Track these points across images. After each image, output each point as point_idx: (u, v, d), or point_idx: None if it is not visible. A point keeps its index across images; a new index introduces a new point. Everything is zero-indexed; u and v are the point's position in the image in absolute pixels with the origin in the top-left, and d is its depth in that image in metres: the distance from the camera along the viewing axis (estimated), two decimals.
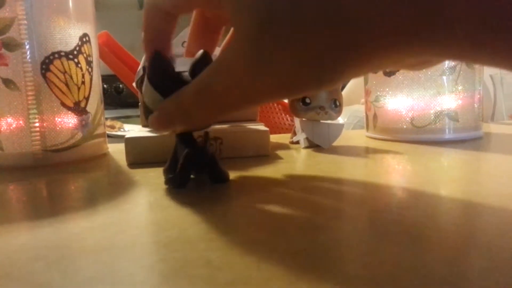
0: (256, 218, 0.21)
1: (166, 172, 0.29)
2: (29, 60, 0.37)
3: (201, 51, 0.26)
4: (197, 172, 0.30)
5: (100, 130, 0.43)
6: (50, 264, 0.16)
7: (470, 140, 0.44)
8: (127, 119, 2.08)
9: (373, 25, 0.16)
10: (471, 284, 0.14)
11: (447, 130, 0.44)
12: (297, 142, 0.45)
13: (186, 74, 0.26)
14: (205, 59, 0.25)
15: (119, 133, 1.26)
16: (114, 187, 0.30)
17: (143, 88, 0.27)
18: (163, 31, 0.26)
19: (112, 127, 1.43)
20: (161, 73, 0.26)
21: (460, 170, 0.32)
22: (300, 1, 0.18)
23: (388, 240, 0.18)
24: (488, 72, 1.35)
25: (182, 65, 0.27)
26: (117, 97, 2.47)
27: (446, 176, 0.30)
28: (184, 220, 0.21)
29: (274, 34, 0.19)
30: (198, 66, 0.25)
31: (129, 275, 0.15)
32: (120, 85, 2.47)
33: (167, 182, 0.28)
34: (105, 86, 2.39)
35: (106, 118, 1.55)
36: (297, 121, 0.44)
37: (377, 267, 0.15)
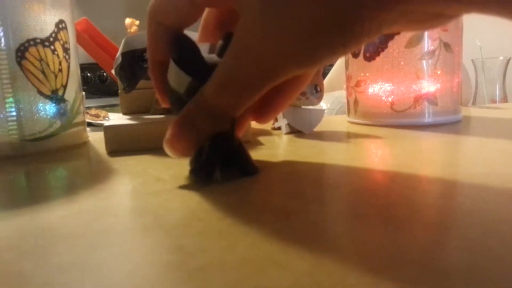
0: (232, 203, 0.21)
1: (191, 163, 0.27)
2: (4, 47, 0.36)
3: (225, 33, 0.25)
4: (224, 163, 0.26)
5: (79, 119, 0.43)
6: (22, 253, 0.16)
7: (449, 123, 0.45)
8: (112, 107, 2.06)
9: None
10: (443, 264, 0.14)
11: (426, 114, 0.44)
12: (279, 128, 0.45)
13: (209, 56, 0.25)
14: (230, 40, 0.25)
15: (103, 122, 1.25)
16: (92, 176, 0.30)
17: (168, 71, 0.25)
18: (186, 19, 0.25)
19: (97, 116, 1.41)
20: (188, 52, 0.24)
21: (438, 153, 0.32)
22: None
23: (360, 221, 0.18)
24: (470, 57, 1.36)
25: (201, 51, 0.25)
26: (101, 86, 2.44)
27: (424, 159, 0.30)
28: (160, 207, 0.21)
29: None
30: (226, 47, 0.24)
31: (102, 262, 0.15)
32: (104, 74, 2.43)
33: (191, 173, 0.26)
34: (88, 74, 2.36)
35: (91, 107, 1.54)
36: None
37: (349, 248, 0.15)
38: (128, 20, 0.92)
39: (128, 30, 0.93)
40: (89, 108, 1.58)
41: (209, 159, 0.25)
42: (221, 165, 0.26)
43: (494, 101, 1.55)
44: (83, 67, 2.28)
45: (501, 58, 1.41)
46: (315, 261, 0.14)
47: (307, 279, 0.13)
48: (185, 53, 0.24)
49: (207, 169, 0.25)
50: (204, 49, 0.27)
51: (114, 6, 2.59)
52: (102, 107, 1.69)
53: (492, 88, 1.50)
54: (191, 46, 0.24)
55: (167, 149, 0.25)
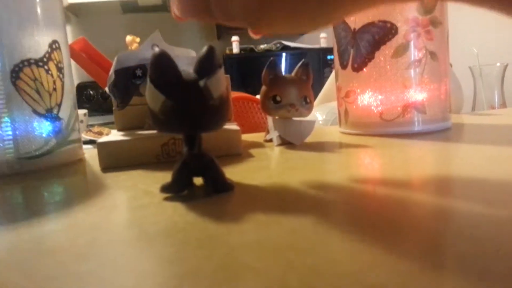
0: (215, 215, 0.22)
1: (172, 177, 0.27)
2: None
3: (206, 47, 0.25)
4: (200, 177, 0.27)
5: (74, 136, 0.43)
6: (9, 266, 0.17)
7: (439, 131, 0.45)
8: (114, 125, 2.07)
9: None
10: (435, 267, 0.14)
11: (415, 122, 0.45)
12: (271, 140, 0.46)
13: (186, 72, 0.25)
14: (210, 54, 0.25)
15: None
16: (86, 191, 0.31)
17: (146, 89, 0.25)
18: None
19: (100, 133, 1.42)
20: (164, 72, 0.24)
21: (427, 160, 0.33)
22: None
23: (347, 230, 0.18)
24: (467, 64, 1.37)
25: (182, 64, 0.25)
26: (104, 103, 2.46)
27: (412, 166, 0.31)
28: (146, 220, 0.22)
29: None
30: (205, 62, 0.25)
31: (84, 273, 0.16)
32: (106, 91, 2.45)
33: (162, 189, 0.26)
34: (91, 92, 2.38)
35: (93, 125, 1.54)
36: (269, 120, 0.45)
37: (321, 254, 0.16)
38: (129, 38, 0.94)
39: (129, 48, 0.94)
40: (92, 125, 1.60)
41: (178, 176, 0.26)
42: (191, 183, 0.27)
43: (493, 107, 1.55)
44: (85, 85, 2.32)
45: (498, 64, 1.42)
46: (288, 267, 0.15)
47: (279, 283, 0.14)
48: (161, 73, 0.24)
49: (175, 187, 0.26)
50: (186, 62, 0.27)
51: (115, 25, 2.63)
52: (104, 125, 1.70)
53: (491, 94, 1.50)
54: (168, 65, 0.24)
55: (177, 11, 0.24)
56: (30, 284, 0.15)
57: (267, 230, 0.19)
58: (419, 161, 0.33)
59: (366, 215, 0.20)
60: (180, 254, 0.17)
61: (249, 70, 2.25)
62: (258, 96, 1.08)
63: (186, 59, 0.32)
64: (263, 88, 0.43)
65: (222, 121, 0.27)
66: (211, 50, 0.25)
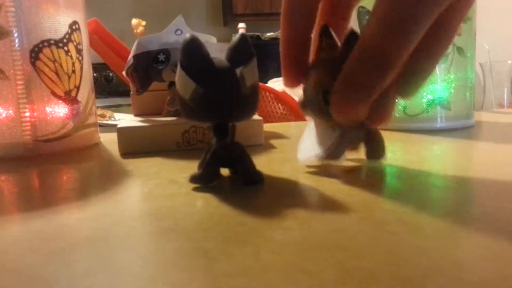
0: (250, 208, 0.21)
1: (198, 167, 0.27)
2: (18, 48, 0.36)
3: (238, 34, 0.25)
4: (229, 168, 0.27)
5: (91, 120, 0.43)
6: (45, 256, 0.16)
7: (462, 128, 0.44)
8: (117, 108, 2.07)
9: None
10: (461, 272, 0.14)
11: (439, 118, 0.44)
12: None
13: (218, 59, 0.24)
14: (244, 42, 0.24)
15: (109, 122, 1.25)
16: (107, 178, 0.30)
17: (176, 75, 0.24)
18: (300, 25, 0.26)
19: (103, 116, 1.41)
20: (195, 58, 0.24)
21: (453, 158, 0.32)
22: None
23: (383, 228, 0.18)
24: (478, 61, 1.35)
25: (211, 51, 0.25)
26: (107, 86, 2.45)
27: (438, 164, 0.30)
28: (178, 210, 0.21)
29: None
30: (238, 50, 0.24)
31: (125, 266, 0.15)
32: (110, 74, 2.44)
33: (191, 180, 0.26)
34: (95, 74, 2.37)
35: (97, 107, 1.53)
36: (311, 130, 0.30)
37: (374, 256, 0.15)
38: (134, 21, 0.93)
39: (135, 31, 0.93)
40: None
41: (208, 166, 0.25)
42: (220, 174, 0.26)
43: (501, 106, 1.54)
44: None
45: (509, 61, 1.41)
46: (343, 270, 0.14)
47: None
48: (193, 59, 0.24)
49: (206, 177, 0.25)
50: (214, 49, 0.26)
51: (120, 7, 2.60)
52: (108, 107, 1.70)
53: (500, 92, 1.49)
54: (200, 51, 0.24)
55: (341, 119, 0.24)
56: (68, 278, 0.15)
57: (310, 227, 0.18)
58: (445, 159, 0.32)
59: (404, 212, 0.19)
60: (224, 250, 0.16)
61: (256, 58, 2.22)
62: (269, 84, 1.07)
63: (215, 45, 0.31)
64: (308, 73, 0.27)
65: (253, 110, 0.26)
66: (244, 38, 0.24)
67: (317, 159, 0.28)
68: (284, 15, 0.26)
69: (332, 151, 0.27)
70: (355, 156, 0.30)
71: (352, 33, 0.26)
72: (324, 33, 0.27)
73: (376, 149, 0.29)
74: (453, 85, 0.43)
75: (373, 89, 0.21)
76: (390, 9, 0.20)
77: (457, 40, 0.43)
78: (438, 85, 0.43)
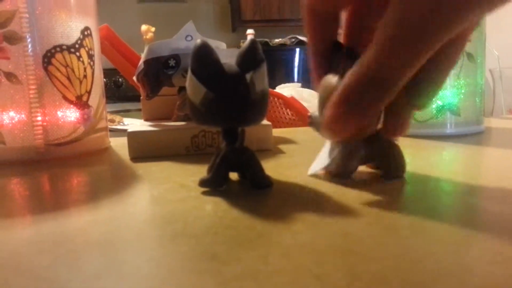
0: (259, 212, 0.21)
1: (208, 171, 0.27)
2: (31, 53, 0.37)
3: (248, 40, 0.25)
4: (238, 173, 0.28)
5: (102, 124, 0.43)
6: (56, 259, 0.16)
7: (472, 134, 0.44)
8: (126, 113, 2.08)
9: None
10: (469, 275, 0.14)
11: (448, 124, 0.44)
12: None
13: (228, 65, 0.24)
14: (254, 48, 0.24)
15: (118, 127, 1.26)
16: (117, 181, 0.30)
17: (187, 80, 0.25)
18: (325, 32, 0.25)
19: (112, 121, 1.42)
20: (206, 63, 0.24)
21: (462, 164, 0.32)
22: None
23: (392, 233, 0.18)
24: (488, 67, 1.34)
25: (222, 57, 0.25)
26: (116, 91, 2.47)
27: (448, 170, 0.30)
28: (188, 214, 0.21)
29: None
30: (248, 55, 0.24)
31: (136, 269, 0.15)
32: (120, 79, 2.46)
33: (200, 183, 0.26)
34: (104, 79, 2.37)
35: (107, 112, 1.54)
36: (326, 145, 0.29)
37: (382, 260, 0.15)
38: (144, 27, 0.93)
39: (144, 37, 0.94)
40: None
41: (218, 170, 0.25)
42: (229, 178, 0.27)
43: (511, 112, 1.53)
44: None
45: None
46: (352, 274, 0.14)
47: None
48: (204, 65, 0.24)
49: (215, 181, 0.26)
50: (224, 54, 0.27)
51: (130, 13, 2.63)
52: (117, 112, 1.71)
53: (510, 98, 1.48)
54: (210, 57, 0.24)
55: (328, 134, 0.23)
56: (80, 280, 0.15)
57: (319, 231, 0.18)
58: (455, 165, 0.32)
59: (424, 219, 0.19)
60: (233, 254, 0.16)
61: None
62: (278, 90, 1.07)
63: (225, 51, 0.31)
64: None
65: (262, 115, 0.26)
66: (254, 44, 0.25)
67: (325, 173, 0.28)
68: (308, 23, 0.26)
69: (341, 169, 0.27)
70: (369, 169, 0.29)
71: (336, 43, 0.25)
72: (350, 55, 0.25)
73: (393, 167, 0.27)
74: (463, 91, 0.43)
75: (367, 110, 0.21)
76: (393, 35, 0.20)
77: (467, 46, 0.43)
78: (448, 91, 0.43)
